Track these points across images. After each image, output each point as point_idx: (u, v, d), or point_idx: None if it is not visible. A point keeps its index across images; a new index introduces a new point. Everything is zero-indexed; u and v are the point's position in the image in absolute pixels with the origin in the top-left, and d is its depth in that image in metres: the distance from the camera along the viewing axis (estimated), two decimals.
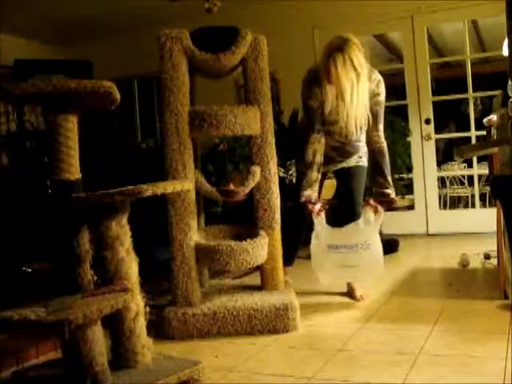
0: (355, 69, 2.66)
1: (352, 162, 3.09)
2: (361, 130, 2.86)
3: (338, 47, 2.66)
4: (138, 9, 5.44)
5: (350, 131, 2.83)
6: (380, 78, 2.91)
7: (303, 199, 2.87)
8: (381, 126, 2.91)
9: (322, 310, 2.90)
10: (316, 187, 2.91)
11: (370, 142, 2.92)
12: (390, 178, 2.88)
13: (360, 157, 3.10)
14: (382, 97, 2.89)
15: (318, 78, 2.81)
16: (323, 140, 2.91)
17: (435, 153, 5.47)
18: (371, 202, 2.86)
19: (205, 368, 1.97)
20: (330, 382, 1.96)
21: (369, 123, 2.85)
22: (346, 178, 3.10)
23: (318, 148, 2.89)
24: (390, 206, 2.86)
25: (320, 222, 2.88)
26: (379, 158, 2.89)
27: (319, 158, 2.89)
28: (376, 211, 2.83)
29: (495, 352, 2.08)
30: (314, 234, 2.89)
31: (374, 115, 2.85)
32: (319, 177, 2.92)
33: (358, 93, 2.69)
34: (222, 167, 4.80)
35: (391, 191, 2.86)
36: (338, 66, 2.65)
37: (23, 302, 1.73)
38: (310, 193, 2.87)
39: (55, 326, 1.56)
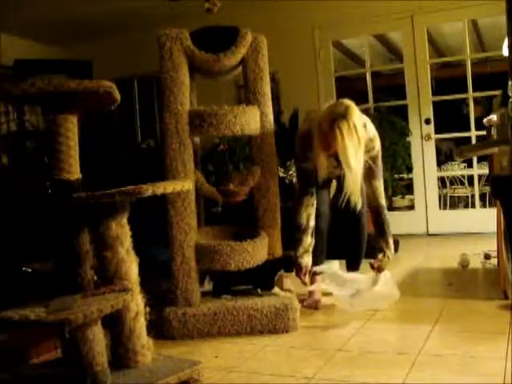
0: (357, 134, 2.56)
1: None
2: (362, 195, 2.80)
3: (342, 114, 2.55)
4: (138, 9, 5.44)
5: (353, 199, 2.72)
6: (374, 132, 2.83)
7: (301, 268, 2.84)
8: (377, 183, 2.84)
9: (322, 311, 2.90)
10: (310, 251, 2.87)
11: (369, 200, 2.86)
12: (390, 240, 2.85)
13: None
14: (376, 150, 2.81)
15: (310, 142, 2.72)
16: (315, 202, 2.88)
17: (438, 155, 5.46)
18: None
19: (205, 368, 1.97)
20: (330, 382, 1.96)
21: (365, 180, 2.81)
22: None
23: (311, 212, 2.86)
24: (380, 269, 2.85)
25: (318, 286, 2.93)
26: (378, 217, 2.86)
27: (313, 223, 2.86)
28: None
29: (495, 352, 2.08)
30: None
31: (371, 170, 2.77)
32: (313, 241, 2.88)
33: (358, 156, 2.59)
34: (222, 167, 4.80)
35: (382, 257, 2.84)
36: (343, 133, 2.53)
37: (23, 302, 1.73)
38: (307, 261, 2.85)
39: (55, 326, 1.57)
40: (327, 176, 2.87)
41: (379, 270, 2.84)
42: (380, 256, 2.85)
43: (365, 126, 2.72)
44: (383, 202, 2.87)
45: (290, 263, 2.96)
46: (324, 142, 2.61)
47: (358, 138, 2.55)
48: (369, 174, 2.77)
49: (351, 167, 2.57)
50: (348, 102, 2.62)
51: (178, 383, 1.84)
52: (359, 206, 2.81)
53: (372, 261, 2.87)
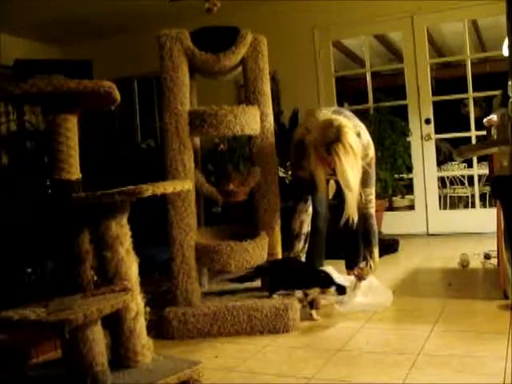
0: (354, 151, 2.55)
1: None
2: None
3: (336, 138, 2.52)
4: (138, 9, 5.44)
5: (352, 216, 2.71)
6: (368, 138, 2.81)
7: None
8: (368, 190, 2.81)
9: (322, 311, 2.90)
10: (302, 256, 2.89)
11: (359, 208, 2.79)
12: (375, 250, 2.83)
13: None
14: (369, 157, 2.80)
15: (304, 152, 2.72)
16: (310, 209, 2.90)
17: (437, 155, 5.46)
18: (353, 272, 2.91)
19: (205, 368, 1.96)
20: (330, 382, 1.96)
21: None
22: None
23: (304, 218, 2.87)
24: (360, 277, 2.85)
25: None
26: (364, 225, 2.84)
27: (306, 229, 2.88)
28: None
29: (495, 352, 2.08)
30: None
31: (363, 177, 2.71)
32: (306, 246, 2.90)
33: (355, 172, 2.59)
34: (222, 167, 4.80)
35: (365, 266, 2.84)
36: (341, 157, 2.52)
37: (23, 302, 1.73)
38: None
39: (55, 326, 1.56)
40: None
41: (359, 278, 2.85)
42: (362, 265, 2.87)
43: (359, 134, 2.70)
44: (372, 210, 2.86)
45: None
46: (322, 160, 2.61)
47: (355, 154, 2.56)
48: (361, 182, 2.71)
49: (351, 189, 2.59)
50: (338, 121, 2.59)
51: (178, 383, 1.84)
52: (356, 221, 2.78)
53: (355, 268, 2.90)
